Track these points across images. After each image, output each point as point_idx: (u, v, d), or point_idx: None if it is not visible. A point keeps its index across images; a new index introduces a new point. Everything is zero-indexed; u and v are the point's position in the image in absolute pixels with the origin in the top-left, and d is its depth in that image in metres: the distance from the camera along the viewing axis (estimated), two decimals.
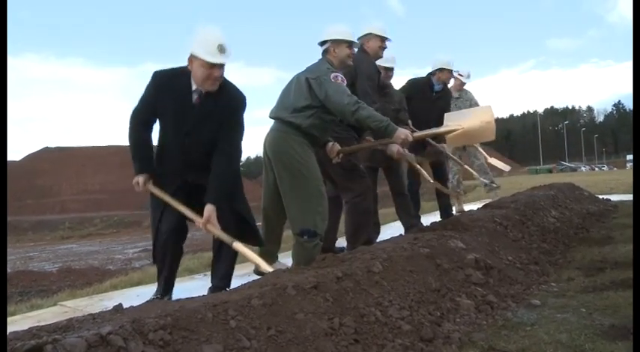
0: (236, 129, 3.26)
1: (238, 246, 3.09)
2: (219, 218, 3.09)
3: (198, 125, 3.15)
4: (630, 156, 72.24)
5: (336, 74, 3.61)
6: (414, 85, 5.79)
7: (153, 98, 3.16)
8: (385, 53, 5.16)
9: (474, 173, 7.26)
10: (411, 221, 5.16)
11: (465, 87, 7.54)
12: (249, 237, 3.35)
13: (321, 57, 3.88)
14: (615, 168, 60.60)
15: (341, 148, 3.96)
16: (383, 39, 4.47)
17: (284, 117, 3.62)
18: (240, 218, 3.33)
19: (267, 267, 3.02)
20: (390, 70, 5.18)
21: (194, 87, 3.13)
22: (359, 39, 4.44)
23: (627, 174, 22.06)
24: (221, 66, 3.06)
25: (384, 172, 5.14)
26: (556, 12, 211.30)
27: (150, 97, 3.17)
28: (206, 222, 3.04)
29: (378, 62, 5.05)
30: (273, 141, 3.65)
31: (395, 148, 4.13)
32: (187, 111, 3.13)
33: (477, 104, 7.29)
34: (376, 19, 5.78)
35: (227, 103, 3.18)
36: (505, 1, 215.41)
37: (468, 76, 7.48)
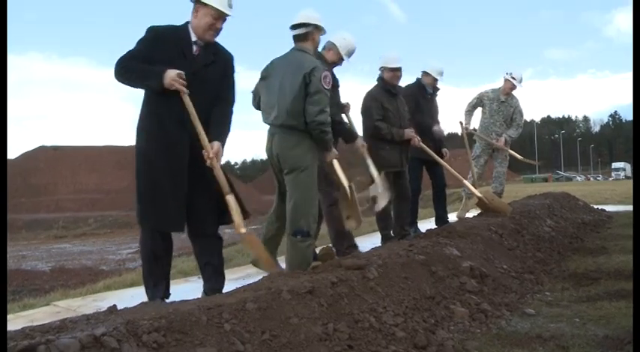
0: (233, 79, 3.35)
1: (231, 198, 3.11)
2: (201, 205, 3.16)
3: (201, 74, 3.18)
4: (615, 165, 71.68)
5: (326, 74, 3.54)
6: (416, 87, 5.90)
7: (148, 50, 3.09)
8: (390, 53, 5.20)
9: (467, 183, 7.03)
10: (386, 232, 5.22)
11: (514, 92, 7.05)
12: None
13: (294, 44, 3.76)
14: (610, 178, 60.87)
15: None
16: (342, 58, 4.34)
17: (286, 123, 3.56)
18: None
19: (241, 229, 3.11)
20: (397, 71, 5.16)
21: (194, 38, 3.19)
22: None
23: (621, 184, 22.16)
24: (224, 19, 3.18)
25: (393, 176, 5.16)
26: (554, 23, 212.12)
27: (145, 49, 3.09)
28: (215, 156, 3.05)
29: (385, 64, 5.11)
30: (280, 143, 3.62)
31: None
32: (189, 61, 3.17)
33: (520, 112, 7.05)
34: (349, 34, 5.47)
35: (224, 56, 3.30)
36: (505, 11, 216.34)
37: (520, 80, 7.02)
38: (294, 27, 3.74)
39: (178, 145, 3.09)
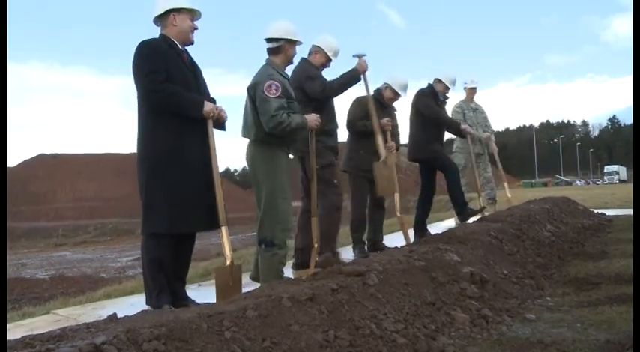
0: None
1: (224, 230, 3.20)
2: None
3: (202, 80, 3.36)
4: (608, 168, 70.99)
5: (270, 83, 3.55)
6: (429, 92, 6.01)
7: (165, 67, 3.12)
8: (400, 79, 5.23)
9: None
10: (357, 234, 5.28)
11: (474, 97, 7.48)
12: None
13: (267, 56, 3.83)
14: (603, 182, 60.49)
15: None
16: (329, 59, 4.44)
17: (250, 136, 3.73)
18: None
19: (227, 258, 3.17)
20: (397, 95, 5.29)
21: (179, 46, 3.27)
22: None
23: (619, 188, 22.15)
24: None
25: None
26: (553, 29, 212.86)
27: (162, 63, 3.12)
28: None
29: (394, 85, 5.23)
30: (247, 156, 3.80)
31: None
32: (190, 70, 3.29)
33: (486, 118, 7.42)
34: (331, 36, 5.34)
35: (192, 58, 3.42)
36: (504, 17, 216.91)
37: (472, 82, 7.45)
38: (267, 40, 3.80)
39: (199, 156, 3.20)
